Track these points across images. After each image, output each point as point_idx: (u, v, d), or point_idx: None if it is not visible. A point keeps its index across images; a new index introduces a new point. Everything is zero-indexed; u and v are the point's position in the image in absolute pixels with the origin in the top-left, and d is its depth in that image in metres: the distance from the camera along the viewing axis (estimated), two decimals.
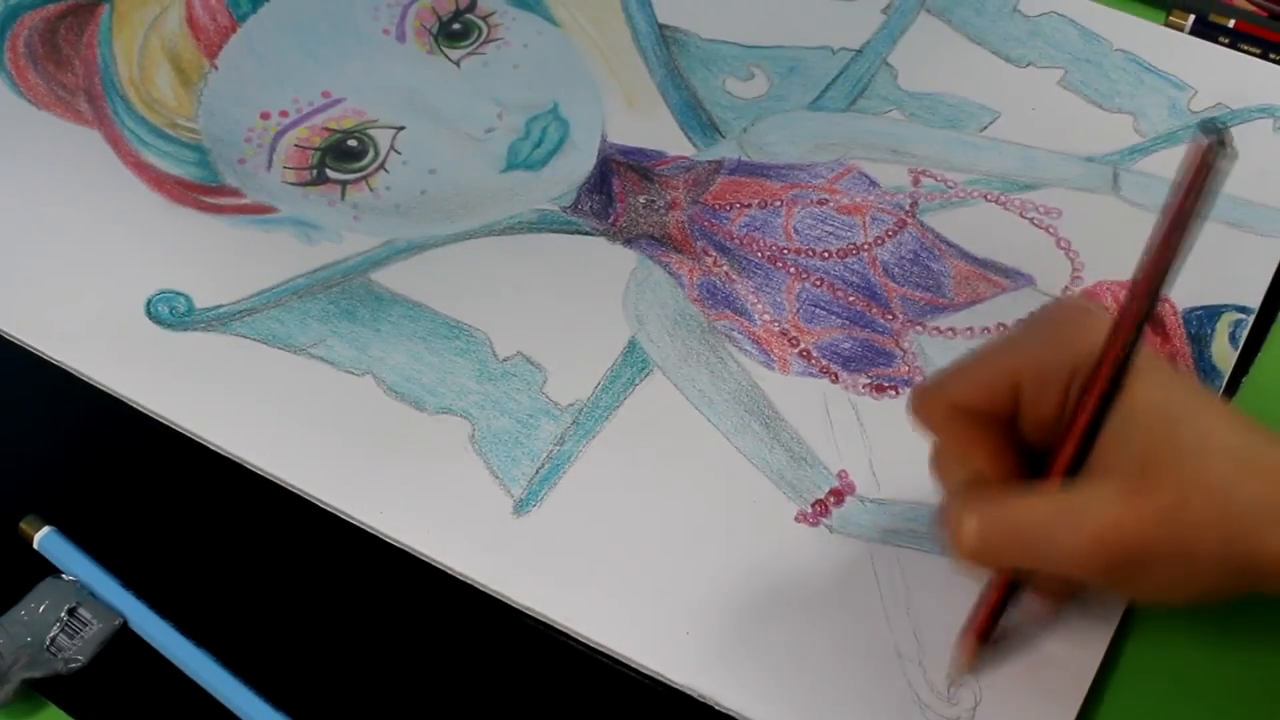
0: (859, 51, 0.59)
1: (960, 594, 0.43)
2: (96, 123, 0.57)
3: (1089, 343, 0.38)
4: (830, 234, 0.53)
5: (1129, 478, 0.38)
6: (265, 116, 0.57)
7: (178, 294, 0.52)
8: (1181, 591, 0.40)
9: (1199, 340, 0.50)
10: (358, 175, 0.55)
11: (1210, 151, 0.34)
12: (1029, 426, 0.40)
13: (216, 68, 0.59)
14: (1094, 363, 0.38)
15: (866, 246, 0.53)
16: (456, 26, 0.60)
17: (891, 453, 0.47)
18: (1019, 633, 0.43)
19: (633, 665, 0.43)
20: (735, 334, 0.50)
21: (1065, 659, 0.42)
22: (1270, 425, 0.38)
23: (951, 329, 0.50)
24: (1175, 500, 0.37)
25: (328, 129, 0.57)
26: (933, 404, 0.41)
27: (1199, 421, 0.38)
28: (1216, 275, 0.51)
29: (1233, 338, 0.50)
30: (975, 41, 0.59)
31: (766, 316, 0.51)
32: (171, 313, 0.51)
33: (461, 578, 0.45)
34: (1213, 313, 0.50)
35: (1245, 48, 0.59)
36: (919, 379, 0.49)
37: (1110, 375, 0.38)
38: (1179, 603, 0.42)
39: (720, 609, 0.44)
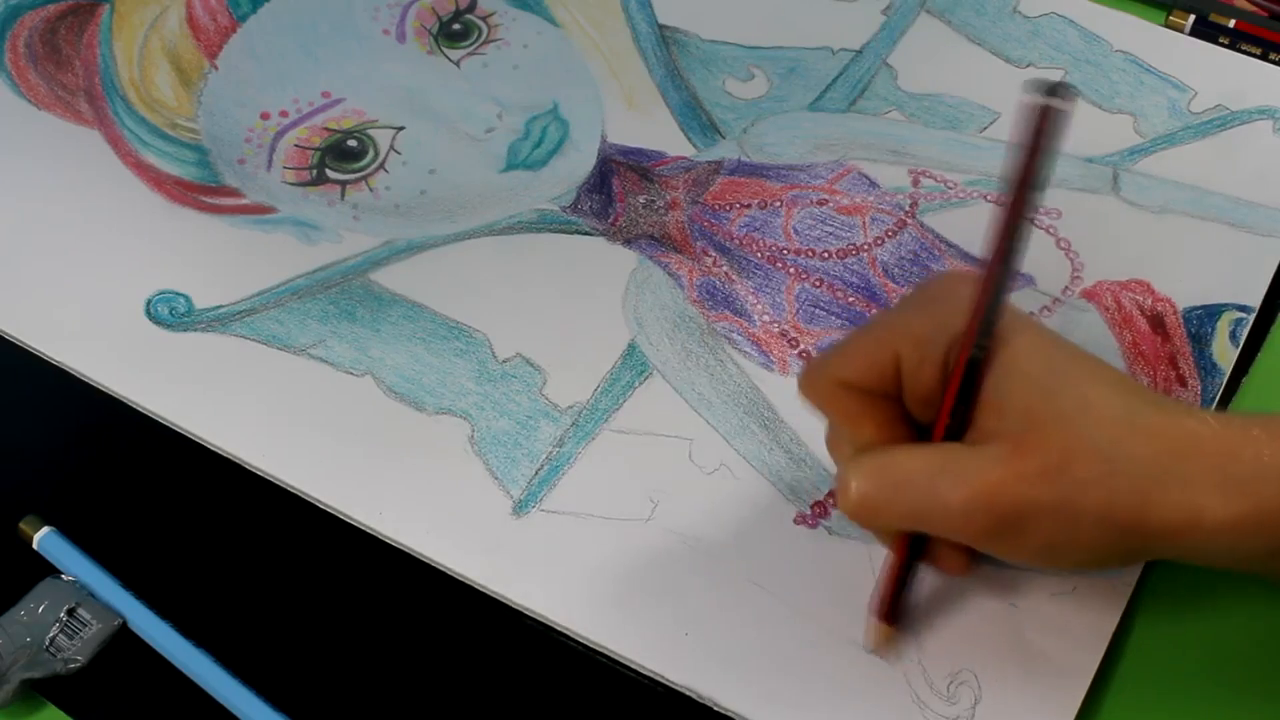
0: (859, 52, 0.59)
1: (959, 591, 0.44)
2: (97, 123, 0.57)
3: (961, 311, 0.38)
4: (830, 234, 0.53)
5: (1011, 439, 0.38)
6: (265, 117, 0.57)
7: (177, 294, 0.52)
8: (1067, 553, 0.39)
9: (1199, 339, 0.50)
10: (357, 175, 0.55)
11: (1047, 112, 0.36)
12: (914, 401, 0.41)
13: (216, 68, 0.59)
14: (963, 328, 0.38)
15: (866, 247, 0.53)
16: (456, 27, 0.60)
17: None
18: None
19: (632, 665, 0.43)
20: (735, 335, 0.50)
21: (1065, 659, 0.42)
22: None
23: None
24: (1058, 460, 0.37)
25: (327, 129, 0.57)
26: (818, 381, 0.41)
27: (1080, 385, 0.38)
28: (1217, 275, 0.51)
29: (1233, 336, 0.50)
30: (975, 42, 0.59)
31: (766, 317, 0.51)
32: (171, 313, 0.51)
33: (461, 578, 0.45)
34: (1213, 312, 0.50)
35: (1245, 48, 0.59)
36: None
37: (975, 336, 0.38)
38: (1066, 565, 0.42)
39: (719, 609, 0.44)
